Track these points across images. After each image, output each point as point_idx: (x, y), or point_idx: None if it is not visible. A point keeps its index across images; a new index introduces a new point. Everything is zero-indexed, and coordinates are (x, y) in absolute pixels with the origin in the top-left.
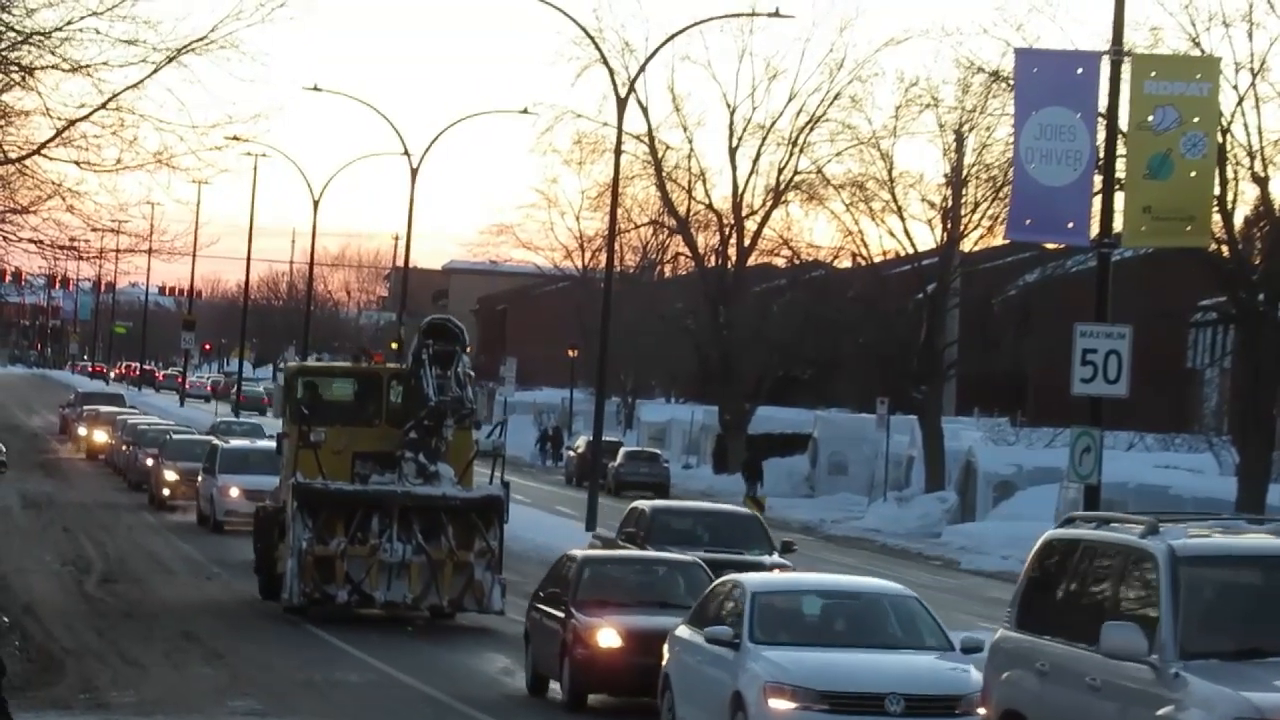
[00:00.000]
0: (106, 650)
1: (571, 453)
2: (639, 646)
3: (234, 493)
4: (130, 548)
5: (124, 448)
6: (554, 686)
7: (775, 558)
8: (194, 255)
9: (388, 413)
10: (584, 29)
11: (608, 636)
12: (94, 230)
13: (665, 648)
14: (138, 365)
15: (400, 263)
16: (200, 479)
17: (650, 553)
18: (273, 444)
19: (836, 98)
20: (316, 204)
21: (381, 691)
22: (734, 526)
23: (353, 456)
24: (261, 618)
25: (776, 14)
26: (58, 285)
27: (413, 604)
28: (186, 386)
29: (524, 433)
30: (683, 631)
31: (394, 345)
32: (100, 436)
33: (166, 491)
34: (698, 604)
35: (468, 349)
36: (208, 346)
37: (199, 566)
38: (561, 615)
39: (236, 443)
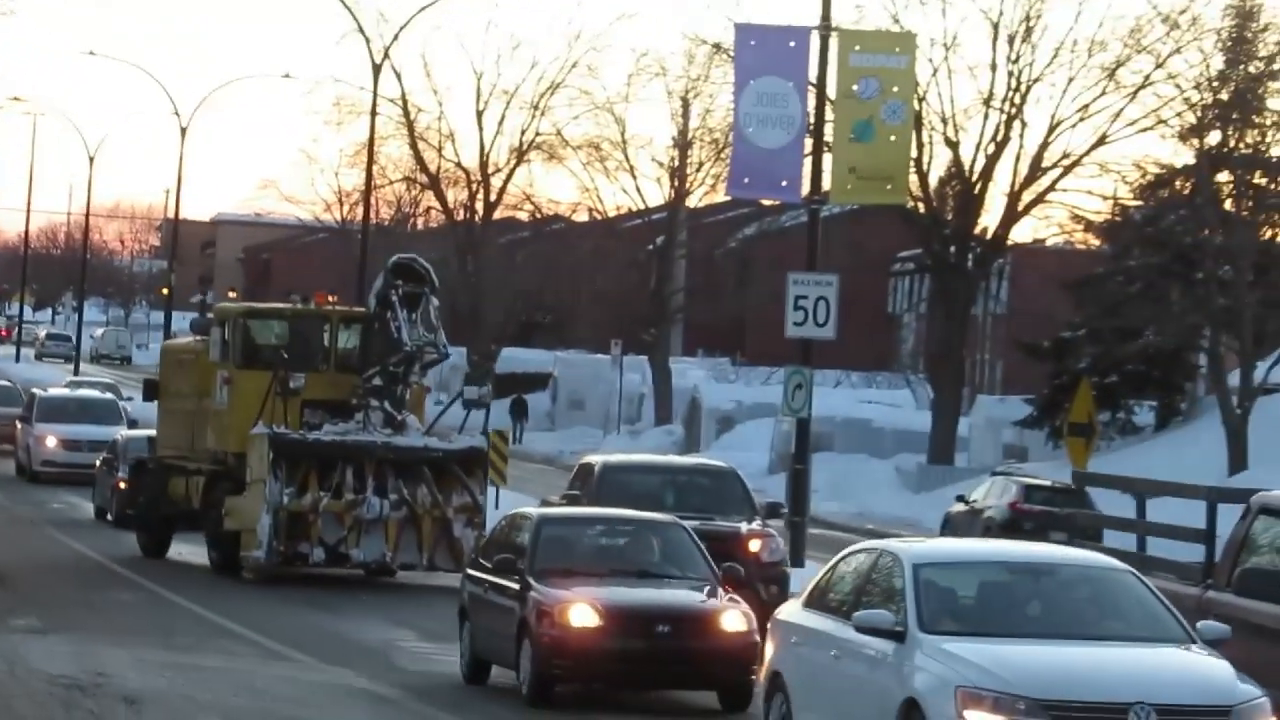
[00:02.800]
0: None
1: None
2: (620, 626)
3: (51, 442)
4: None
5: None
6: (498, 673)
7: (756, 524)
8: None
9: (336, 358)
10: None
11: (582, 614)
12: None
13: (772, 637)
14: None
15: (171, 214)
16: (18, 428)
17: (619, 510)
18: (108, 395)
19: (574, 66)
20: (92, 159)
21: (152, 608)
22: (705, 486)
23: (301, 404)
24: (48, 544)
25: None
26: None
27: (389, 564)
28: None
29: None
30: (798, 615)
31: (164, 291)
32: None
33: None
34: (814, 583)
35: (436, 289)
36: None
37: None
38: (516, 587)
39: (56, 391)
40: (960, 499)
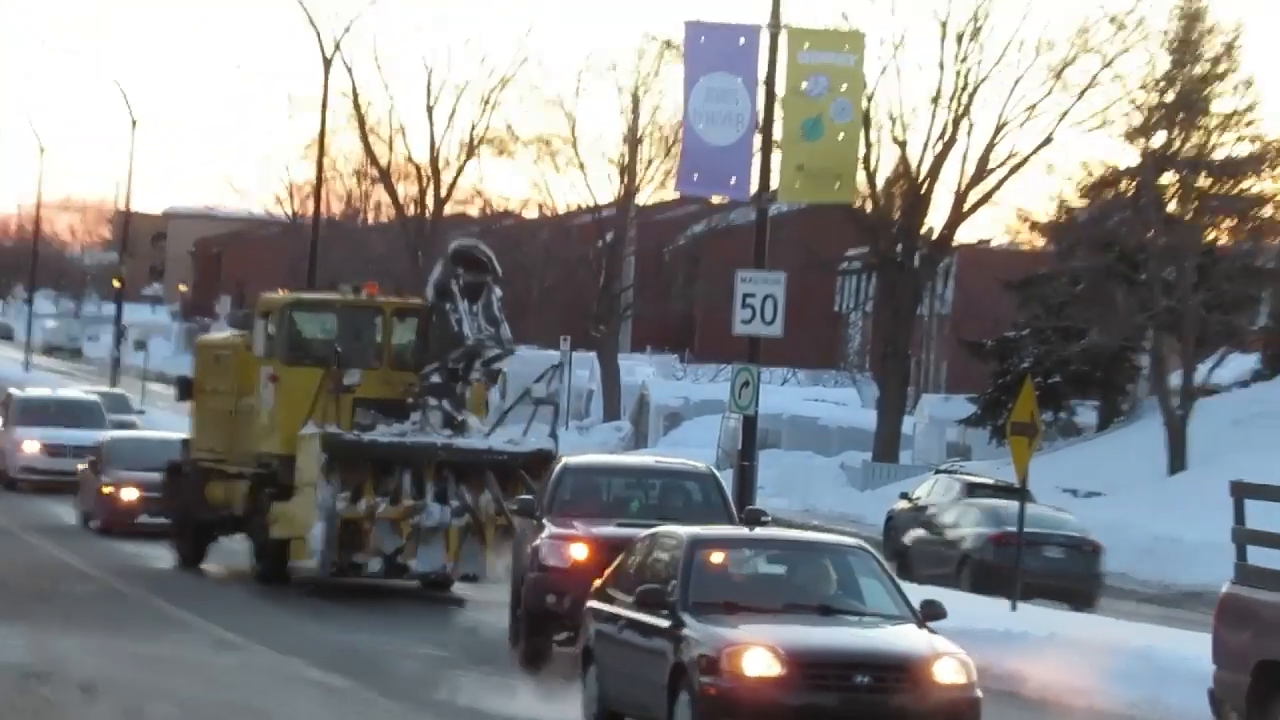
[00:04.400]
0: None
1: None
2: (808, 676)
3: (31, 448)
4: None
5: None
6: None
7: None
8: None
9: (390, 353)
10: None
11: (759, 661)
12: None
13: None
14: None
15: (122, 206)
16: None
17: (794, 532)
18: (92, 396)
19: (525, 61)
20: (43, 151)
21: (104, 599)
22: (679, 490)
23: (353, 403)
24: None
25: None
26: None
27: (449, 575)
28: None
29: None
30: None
31: (116, 282)
32: None
33: None
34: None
35: (500, 278)
36: None
37: None
38: (666, 625)
39: (35, 391)
40: (904, 496)
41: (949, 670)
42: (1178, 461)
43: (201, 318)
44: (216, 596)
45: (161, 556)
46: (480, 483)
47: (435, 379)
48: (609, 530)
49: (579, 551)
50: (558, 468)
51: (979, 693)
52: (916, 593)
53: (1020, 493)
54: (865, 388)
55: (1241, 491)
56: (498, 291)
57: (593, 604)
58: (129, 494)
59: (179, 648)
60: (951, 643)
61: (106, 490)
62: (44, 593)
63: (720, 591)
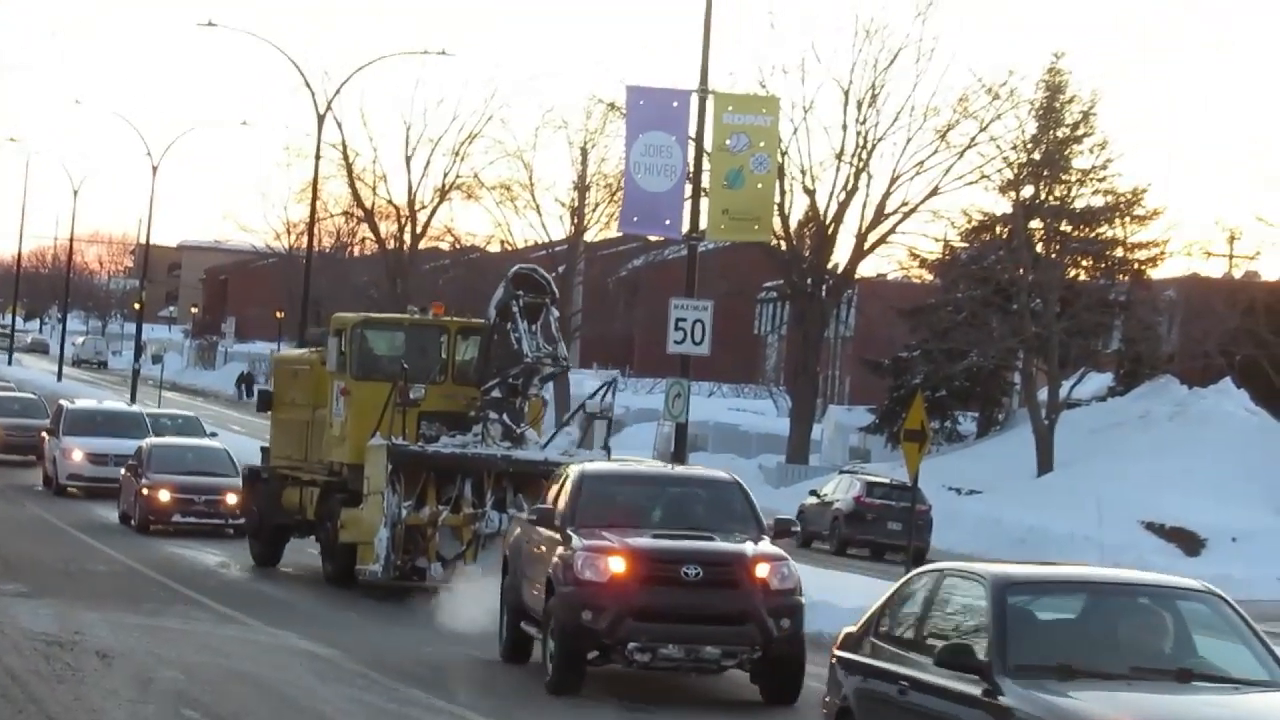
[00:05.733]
0: None
1: None
2: None
3: (78, 456)
4: None
5: None
6: None
7: (765, 544)
8: None
9: (454, 369)
10: (293, 62)
11: None
12: None
13: None
14: None
15: (143, 240)
16: (46, 440)
17: (1125, 573)
18: (135, 408)
19: (490, 119)
20: (76, 192)
21: (122, 579)
22: (702, 499)
23: (418, 416)
24: (37, 525)
25: (443, 53)
26: None
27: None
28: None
29: (231, 375)
30: None
31: (136, 306)
32: None
33: None
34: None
35: (557, 299)
36: None
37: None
38: (977, 692)
39: (83, 403)
40: (813, 493)
41: None
42: (1045, 464)
43: (210, 336)
44: (219, 578)
45: (189, 549)
46: (537, 492)
47: (496, 394)
48: (646, 542)
49: (617, 565)
50: (575, 475)
51: None
52: None
53: (912, 490)
54: (780, 399)
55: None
56: (555, 312)
57: (844, 654)
58: (164, 495)
59: (187, 621)
60: None
61: (145, 491)
62: (72, 574)
63: (1047, 650)
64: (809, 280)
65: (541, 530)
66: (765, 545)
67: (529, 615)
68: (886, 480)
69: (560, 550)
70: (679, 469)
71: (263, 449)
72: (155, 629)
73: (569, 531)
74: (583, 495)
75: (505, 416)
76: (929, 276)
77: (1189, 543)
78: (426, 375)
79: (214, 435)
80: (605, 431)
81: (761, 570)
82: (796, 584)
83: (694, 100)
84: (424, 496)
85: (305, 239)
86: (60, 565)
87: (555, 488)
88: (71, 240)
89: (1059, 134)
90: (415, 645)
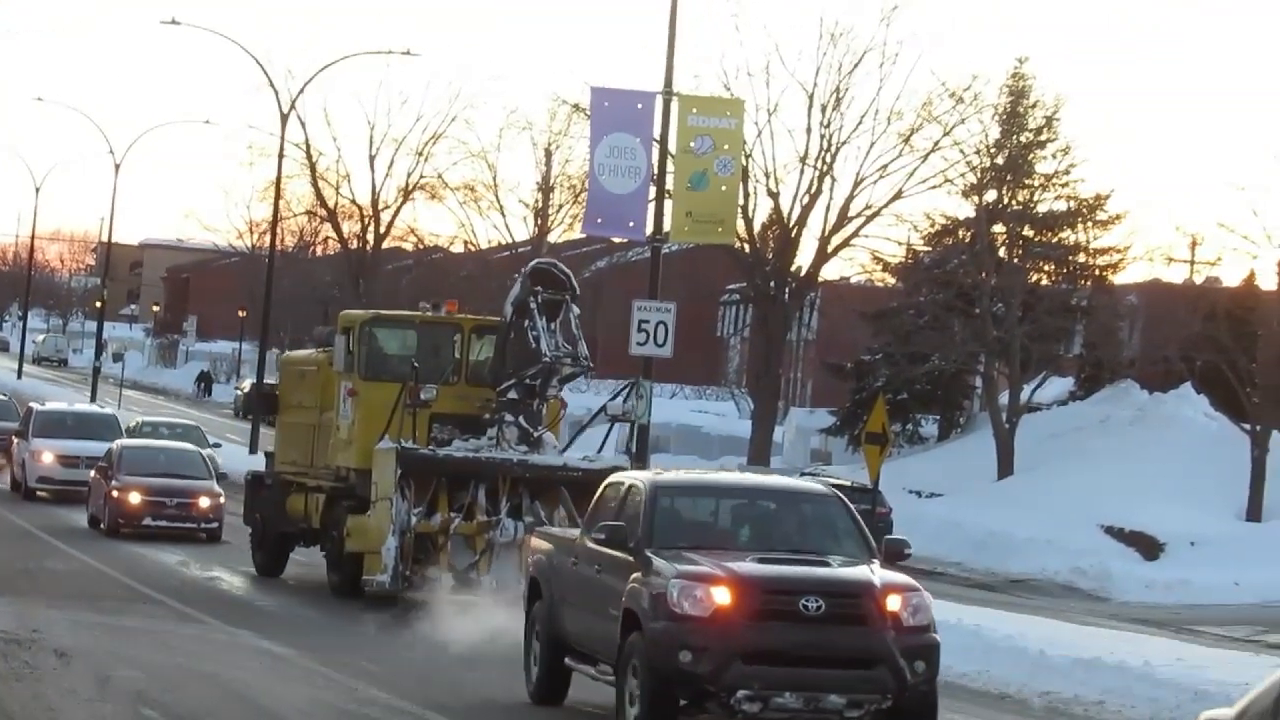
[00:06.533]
0: None
1: (239, 391)
2: None
3: (48, 458)
4: None
5: None
6: None
7: (876, 568)
8: None
9: (468, 370)
10: (257, 60)
11: None
12: None
13: None
14: None
15: (105, 238)
16: (14, 443)
17: None
18: (107, 410)
19: (454, 119)
20: (37, 190)
21: (82, 577)
22: (801, 517)
23: (430, 418)
24: (1, 528)
25: (407, 53)
26: None
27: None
28: None
29: (192, 373)
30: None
31: (98, 304)
32: None
33: None
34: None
35: (577, 296)
36: None
37: None
38: None
39: (54, 405)
40: None
41: None
42: (1006, 468)
43: (171, 334)
44: (172, 571)
45: (155, 552)
46: (555, 499)
47: (512, 395)
48: (754, 568)
49: (721, 596)
50: (645, 487)
51: None
52: None
53: (873, 493)
54: (742, 401)
55: None
56: (575, 309)
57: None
58: (135, 498)
59: (147, 620)
60: None
61: (114, 494)
62: (33, 572)
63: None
64: (772, 283)
65: (604, 551)
66: (891, 573)
67: (575, 650)
68: (848, 483)
69: (639, 576)
70: (768, 479)
71: (267, 454)
72: (114, 627)
73: (648, 554)
74: (658, 511)
75: (522, 419)
76: (892, 280)
77: (1148, 547)
78: (438, 375)
79: (217, 446)
80: (629, 435)
81: (893, 603)
82: (930, 620)
83: (658, 102)
84: (435, 503)
85: (268, 238)
86: (21, 564)
87: (612, 501)
88: (33, 238)
89: (1022, 139)
90: (428, 671)
